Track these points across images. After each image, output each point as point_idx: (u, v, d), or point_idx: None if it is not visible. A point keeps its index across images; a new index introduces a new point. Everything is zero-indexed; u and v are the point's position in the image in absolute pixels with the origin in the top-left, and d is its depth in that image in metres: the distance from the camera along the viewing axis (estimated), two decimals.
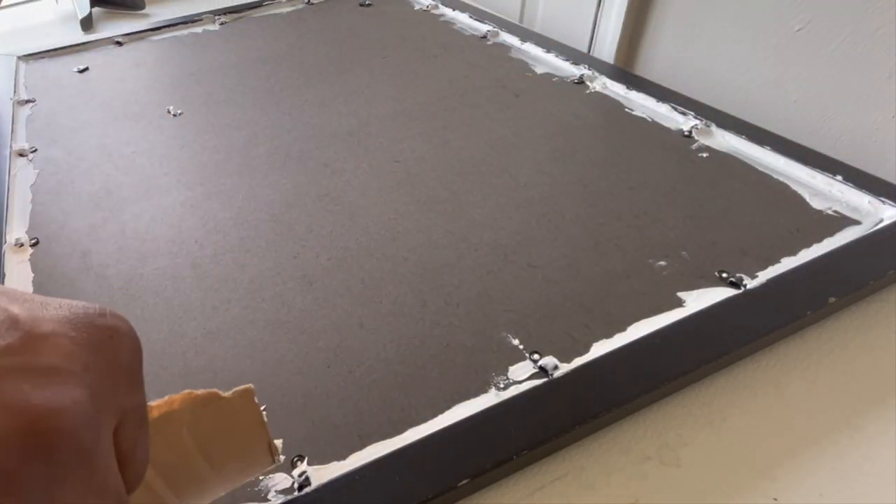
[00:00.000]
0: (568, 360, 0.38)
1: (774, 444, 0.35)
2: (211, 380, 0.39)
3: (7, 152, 0.61)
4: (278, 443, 0.30)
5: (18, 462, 0.14)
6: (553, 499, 0.33)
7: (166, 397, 0.25)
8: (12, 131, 0.66)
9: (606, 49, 0.78)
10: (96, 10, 0.97)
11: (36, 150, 0.63)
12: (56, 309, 0.17)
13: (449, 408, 0.36)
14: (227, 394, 0.26)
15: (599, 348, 0.39)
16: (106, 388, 0.17)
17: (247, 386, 0.27)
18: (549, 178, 0.55)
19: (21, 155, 0.62)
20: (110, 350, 0.17)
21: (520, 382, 0.37)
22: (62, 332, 0.16)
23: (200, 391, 0.25)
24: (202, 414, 0.26)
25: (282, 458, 0.30)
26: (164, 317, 0.43)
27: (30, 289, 0.46)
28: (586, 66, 0.70)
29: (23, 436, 0.14)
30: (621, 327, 0.40)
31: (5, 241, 0.51)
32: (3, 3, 1.03)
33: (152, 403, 0.24)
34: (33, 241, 0.51)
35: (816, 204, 0.50)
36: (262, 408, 0.28)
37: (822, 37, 0.58)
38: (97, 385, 0.16)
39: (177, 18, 0.90)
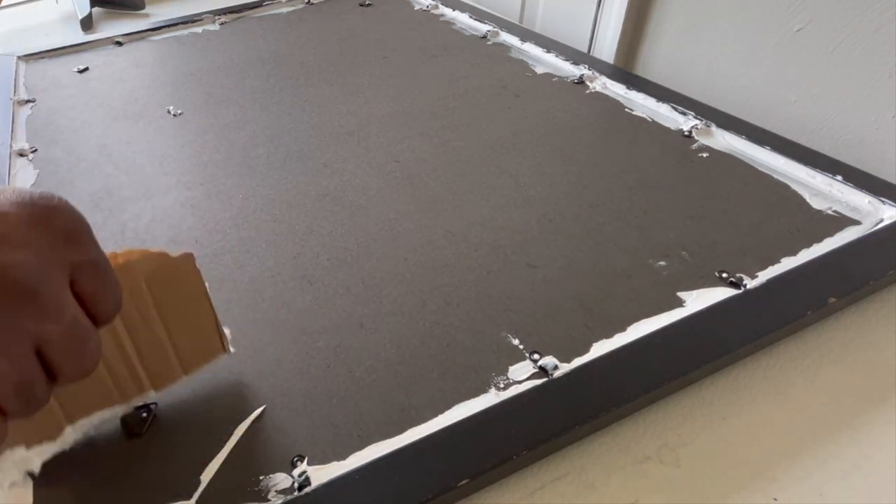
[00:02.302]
0: (568, 360, 0.38)
1: (774, 444, 0.35)
2: (211, 379, 0.39)
3: (7, 152, 0.61)
4: (228, 332, 0.37)
5: None
6: (553, 499, 0.33)
7: (125, 249, 0.31)
8: (12, 131, 0.66)
9: (606, 49, 0.78)
10: (96, 10, 0.97)
11: (36, 150, 0.63)
12: (9, 195, 0.24)
13: (449, 408, 0.36)
14: (172, 254, 0.32)
15: (599, 348, 0.39)
16: (45, 247, 0.23)
17: (187, 251, 0.33)
18: (549, 178, 0.55)
19: (21, 155, 0.62)
20: (48, 220, 0.24)
21: (520, 382, 0.37)
22: (11, 210, 0.23)
23: (153, 249, 0.32)
24: (156, 270, 0.32)
25: (233, 349, 0.38)
26: None
27: None
28: (586, 66, 0.70)
29: None
30: (621, 327, 0.40)
31: None
32: (3, 3, 1.03)
33: (117, 251, 0.30)
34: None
35: (816, 204, 0.50)
36: (216, 301, 0.34)
37: (822, 37, 0.58)
38: (38, 245, 0.23)
39: (177, 18, 0.90)
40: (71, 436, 0.33)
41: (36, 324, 0.23)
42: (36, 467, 0.32)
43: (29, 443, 0.31)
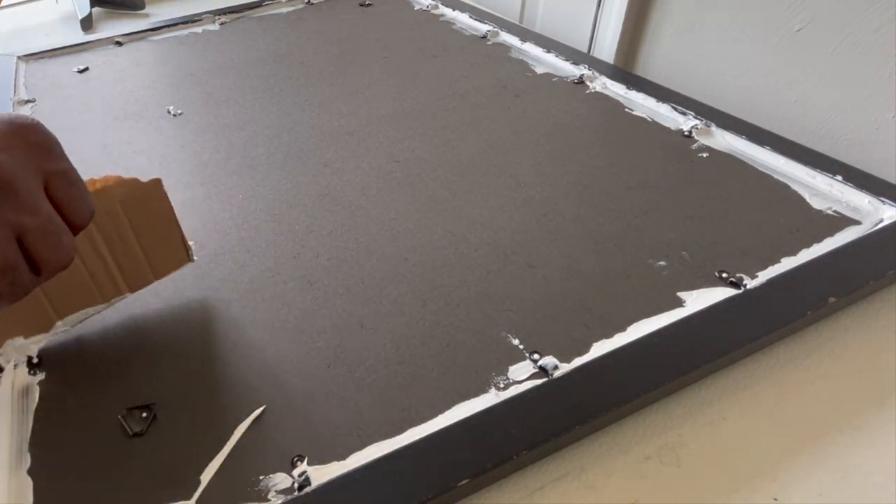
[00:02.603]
0: (568, 360, 0.38)
1: (774, 444, 0.35)
2: (211, 380, 0.39)
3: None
4: (192, 244, 0.44)
5: None
6: (553, 499, 0.33)
7: (103, 176, 0.37)
8: None
9: (606, 49, 0.78)
10: (96, 10, 0.97)
11: None
12: None
13: (449, 408, 0.36)
14: (143, 181, 0.39)
15: (599, 348, 0.39)
16: (21, 154, 0.28)
17: (157, 178, 0.40)
18: (549, 178, 0.55)
19: None
20: (24, 134, 0.29)
21: (520, 382, 0.37)
22: None
23: (126, 177, 0.38)
24: (129, 193, 0.38)
25: (196, 258, 0.44)
26: (164, 316, 0.43)
27: None
28: (586, 66, 0.70)
29: None
30: (621, 327, 0.40)
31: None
32: (3, 3, 1.03)
33: (96, 178, 0.37)
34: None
35: (816, 204, 0.50)
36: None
37: (822, 37, 0.58)
38: (14, 152, 0.28)
39: (177, 18, 0.90)
40: (60, 328, 0.41)
41: (14, 215, 0.28)
42: (33, 353, 0.40)
43: (26, 334, 0.40)
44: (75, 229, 0.31)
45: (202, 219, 0.52)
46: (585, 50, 0.81)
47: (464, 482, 0.31)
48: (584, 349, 0.39)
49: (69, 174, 0.31)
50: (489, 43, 0.79)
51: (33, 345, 0.40)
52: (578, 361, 0.38)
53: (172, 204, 0.41)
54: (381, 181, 0.56)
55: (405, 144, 0.60)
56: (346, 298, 0.44)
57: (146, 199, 0.40)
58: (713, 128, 0.58)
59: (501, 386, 0.37)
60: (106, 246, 0.39)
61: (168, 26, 0.89)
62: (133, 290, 0.42)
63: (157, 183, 0.40)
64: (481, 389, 0.37)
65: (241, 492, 0.32)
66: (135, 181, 0.39)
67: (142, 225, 0.40)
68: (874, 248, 0.44)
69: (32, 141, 0.29)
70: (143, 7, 0.99)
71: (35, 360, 0.40)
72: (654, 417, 0.36)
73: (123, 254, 0.40)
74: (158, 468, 0.34)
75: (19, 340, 0.40)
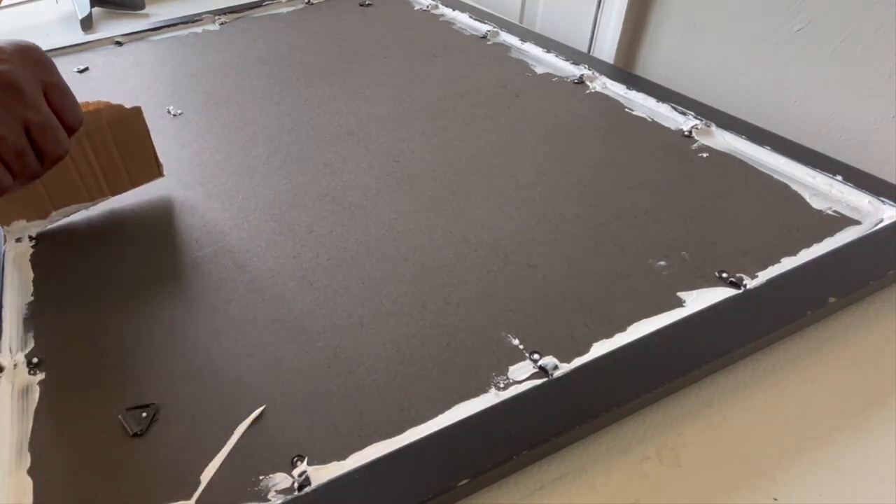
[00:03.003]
0: (568, 360, 0.38)
1: (774, 443, 0.35)
2: (212, 380, 0.39)
3: None
4: (163, 163, 0.54)
5: None
6: (553, 499, 0.33)
7: (95, 100, 0.47)
8: None
9: (606, 49, 0.78)
10: (96, 10, 0.97)
11: None
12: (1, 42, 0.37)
13: (449, 408, 0.36)
14: (127, 107, 0.49)
15: (599, 348, 0.39)
16: (25, 67, 0.36)
17: (137, 105, 0.50)
18: (549, 178, 0.55)
19: None
20: (27, 52, 0.37)
21: (520, 382, 0.37)
22: (2, 46, 0.36)
23: (114, 103, 0.48)
24: (115, 115, 0.49)
25: (165, 174, 0.55)
26: (164, 317, 0.43)
27: (30, 289, 0.47)
28: (586, 66, 0.70)
29: None
30: (621, 327, 0.40)
31: (6, 241, 0.51)
32: (3, 3, 1.03)
33: (89, 102, 0.46)
34: (33, 241, 0.51)
35: (816, 204, 0.50)
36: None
37: (822, 37, 0.58)
38: (20, 64, 0.36)
39: (177, 18, 0.90)
40: (55, 217, 0.52)
41: (22, 111, 0.36)
42: (33, 232, 0.52)
43: (28, 218, 0.51)
44: (69, 131, 0.40)
45: (202, 219, 0.52)
46: (585, 50, 0.81)
47: (464, 482, 0.31)
48: (584, 349, 0.39)
49: (62, 86, 0.39)
50: (489, 43, 0.79)
51: (33, 228, 0.52)
52: (578, 361, 0.38)
53: (154, 141, 0.52)
54: (381, 181, 0.56)
55: (405, 144, 0.60)
56: (346, 298, 0.44)
57: (128, 122, 0.50)
58: (713, 128, 0.58)
59: (501, 386, 0.37)
60: (94, 156, 0.49)
61: (168, 26, 0.89)
62: (113, 193, 0.53)
63: (138, 110, 0.50)
64: (481, 389, 0.37)
65: (241, 492, 0.32)
66: (120, 106, 0.49)
67: (123, 142, 0.50)
68: (874, 248, 0.44)
69: (34, 57, 0.37)
70: (143, 7, 0.99)
71: (35, 361, 0.40)
72: (654, 417, 0.36)
73: (107, 163, 0.50)
74: (158, 468, 0.34)
75: (22, 223, 0.51)
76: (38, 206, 0.50)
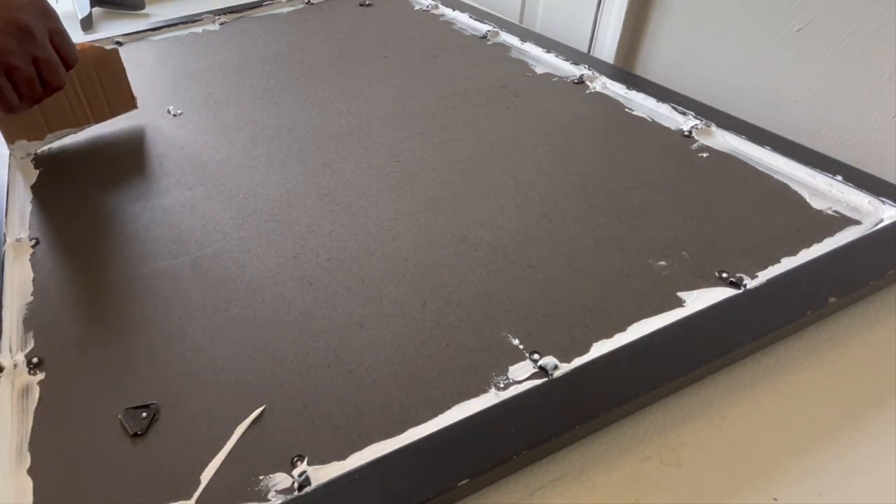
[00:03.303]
0: (568, 360, 0.38)
1: (774, 444, 0.35)
2: (212, 380, 0.39)
3: (7, 152, 0.61)
4: (137, 97, 0.66)
5: (7, 35, 0.46)
6: (553, 499, 0.33)
7: (80, 43, 0.57)
8: None
9: (606, 49, 0.78)
10: (96, 10, 0.97)
11: (37, 150, 0.63)
12: None
13: (449, 408, 0.36)
14: (107, 48, 0.61)
15: (599, 348, 0.39)
16: (35, 15, 0.48)
17: (115, 48, 0.62)
18: (549, 178, 0.55)
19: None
20: (37, 4, 0.48)
21: (520, 382, 0.37)
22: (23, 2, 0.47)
23: (97, 45, 0.60)
24: (97, 55, 0.60)
25: (139, 105, 0.66)
26: (165, 317, 0.43)
27: (30, 289, 0.47)
28: (586, 66, 0.70)
29: (7, 24, 0.46)
30: (621, 327, 0.40)
31: (5, 241, 0.51)
32: None
33: (78, 44, 0.54)
34: (33, 241, 0.51)
35: (816, 204, 0.50)
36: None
37: (822, 37, 0.58)
38: (32, 12, 0.47)
39: (177, 18, 0.90)
40: (49, 139, 0.62)
41: (32, 48, 0.47)
42: (32, 151, 0.62)
43: (28, 139, 0.61)
44: (67, 67, 0.51)
45: (202, 219, 0.52)
46: (585, 50, 0.81)
47: (464, 482, 0.31)
48: (584, 349, 0.39)
49: (64, 32, 0.51)
50: (489, 43, 0.79)
51: (32, 147, 0.62)
52: (578, 361, 0.38)
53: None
54: (381, 181, 0.56)
55: (405, 144, 0.60)
56: (346, 298, 0.44)
57: (109, 61, 0.61)
58: (713, 128, 0.58)
59: (501, 386, 0.37)
60: (81, 89, 0.60)
61: (168, 26, 0.89)
62: (97, 121, 0.63)
63: (115, 51, 0.61)
64: (481, 389, 0.37)
65: (241, 492, 0.32)
66: (101, 48, 0.60)
67: (105, 77, 0.62)
68: (874, 248, 0.44)
69: (43, 8, 0.48)
70: (143, 7, 0.99)
71: (35, 361, 0.40)
72: (654, 417, 0.36)
73: (92, 95, 0.62)
74: (158, 468, 0.34)
75: (24, 142, 0.61)
76: (36, 128, 0.61)
